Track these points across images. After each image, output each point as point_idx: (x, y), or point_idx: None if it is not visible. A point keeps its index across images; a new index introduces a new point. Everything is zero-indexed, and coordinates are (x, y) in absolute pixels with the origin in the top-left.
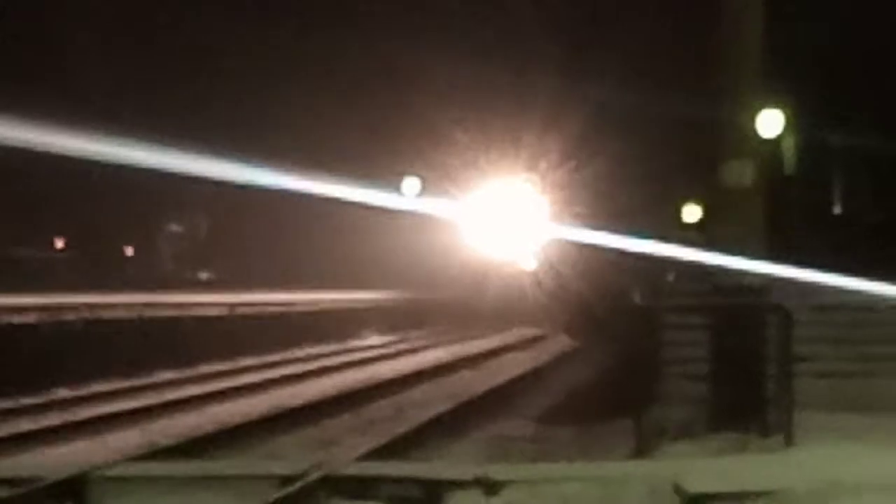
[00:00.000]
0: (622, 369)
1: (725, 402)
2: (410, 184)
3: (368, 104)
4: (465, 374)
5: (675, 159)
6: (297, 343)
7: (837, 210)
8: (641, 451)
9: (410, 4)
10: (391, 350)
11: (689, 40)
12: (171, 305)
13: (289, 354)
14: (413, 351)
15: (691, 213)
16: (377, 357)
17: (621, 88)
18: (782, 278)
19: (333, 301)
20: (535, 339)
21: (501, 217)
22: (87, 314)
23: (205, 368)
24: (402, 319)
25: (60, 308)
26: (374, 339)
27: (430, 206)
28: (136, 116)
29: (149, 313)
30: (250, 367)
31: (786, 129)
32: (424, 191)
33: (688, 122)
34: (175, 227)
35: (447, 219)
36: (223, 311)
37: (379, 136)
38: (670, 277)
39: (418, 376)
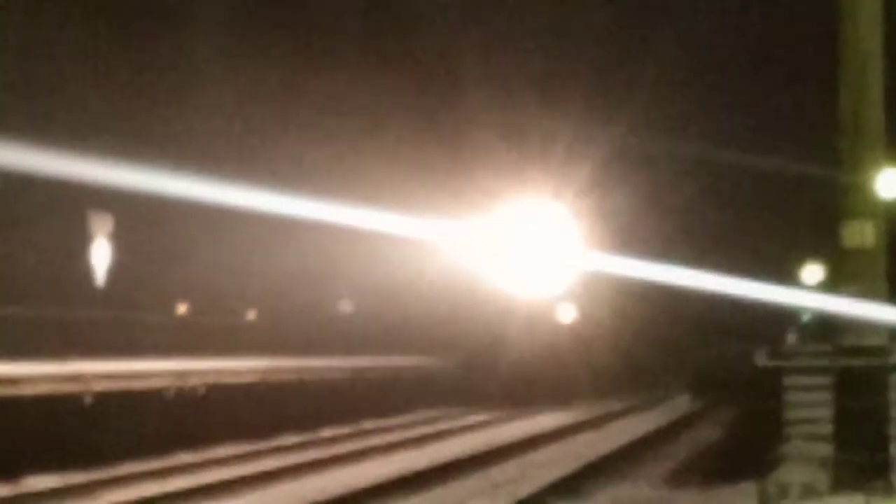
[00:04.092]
0: (745, 430)
1: (849, 463)
2: None
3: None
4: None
5: (794, 219)
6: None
7: None
8: None
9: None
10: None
11: (810, 103)
12: (291, 370)
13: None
14: (520, 418)
15: (812, 273)
16: (497, 420)
17: (743, 149)
18: None
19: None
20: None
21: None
22: (209, 379)
23: (327, 432)
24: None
25: (184, 373)
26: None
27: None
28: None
29: (271, 378)
30: (373, 430)
31: None
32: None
33: (808, 183)
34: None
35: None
36: (345, 375)
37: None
38: (791, 338)
39: (537, 439)
